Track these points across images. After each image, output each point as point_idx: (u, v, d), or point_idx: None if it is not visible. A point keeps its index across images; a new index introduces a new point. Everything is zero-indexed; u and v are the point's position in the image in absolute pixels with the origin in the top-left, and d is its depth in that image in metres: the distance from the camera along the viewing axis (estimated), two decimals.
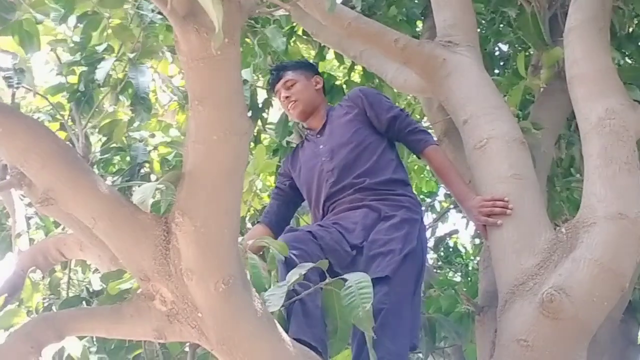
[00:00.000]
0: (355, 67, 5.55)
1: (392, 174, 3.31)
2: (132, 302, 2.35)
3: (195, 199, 2.20)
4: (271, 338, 2.28)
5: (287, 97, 3.52)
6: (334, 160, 3.31)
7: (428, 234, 7.76)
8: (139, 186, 2.41)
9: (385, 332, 2.75)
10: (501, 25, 5.49)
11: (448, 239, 7.54)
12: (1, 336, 3.02)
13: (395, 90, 5.07)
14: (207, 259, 2.20)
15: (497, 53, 6.00)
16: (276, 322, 2.39)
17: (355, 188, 3.24)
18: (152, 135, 4.90)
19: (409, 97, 6.38)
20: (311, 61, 5.37)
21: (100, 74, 4.03)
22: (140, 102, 4.15)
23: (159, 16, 4.31)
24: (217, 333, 2.25)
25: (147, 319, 2.32)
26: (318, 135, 3.47)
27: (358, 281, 2.34)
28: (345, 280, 2.38)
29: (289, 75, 3.56)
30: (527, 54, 5.03)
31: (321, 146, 3.40)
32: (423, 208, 7.83)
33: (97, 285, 4.41)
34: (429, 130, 3.99)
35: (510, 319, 2.86)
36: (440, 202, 8.08)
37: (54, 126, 4.60)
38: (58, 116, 4.58)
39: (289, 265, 2.68)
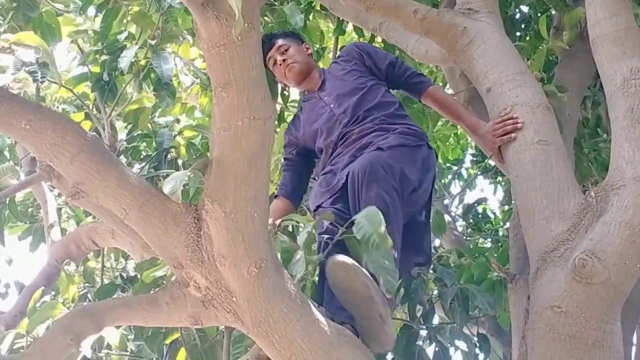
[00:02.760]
0: (375, 39, 5.51)
1: (396, 110, 3.39)
2: (167, 290, 2.39)
3: (224, 185, 2.22)
4: (306, 319, 2.30)
5: (283, 60, 3.56)
6: (343, 104, 3.37)
7: (456, 201, 7.76)
8: (166, 175, 2.43)
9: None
10: None
11: (477, 206, 7.50)
12: (41, 329, 3.08)
13: (416, 61, 5.02)
14: (238, 244, 2.22)
15: (517, 16, 5.93)
16: (310, 302, 2.41)
17: (368, 119, 3.30)
18: (177, 120, 4.92)
19: (430, 66, 6.34)
20: (330, 35, 5.36)
21: (124, 63, 4.04)
22: (164, 88, 4.17)
23: (177, 0, 4.31)
24: (252, 316, 2.28)
25: (183, 305, 2.35)
26: (319, 92, 3.51)
27: (365, 213, 2.44)
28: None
29: (281, 41, 3.62)
30: (548, 15, 4.96)
31: (325, 98, 3.45)
32: (450, 176, 7.89)
33: (131, 271, 4.48)
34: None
35: (543, 286, 2.85)
36: (467, 169, 8.04)
37: (79, 116, 4.63)
38: (83, 106, 4.61)
39: None
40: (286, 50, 3.58)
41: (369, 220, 2.44)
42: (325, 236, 2.82)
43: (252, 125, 2.20)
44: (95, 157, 2.33)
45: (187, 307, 2.35)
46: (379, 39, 5.50)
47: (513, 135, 3.18)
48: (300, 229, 2.88)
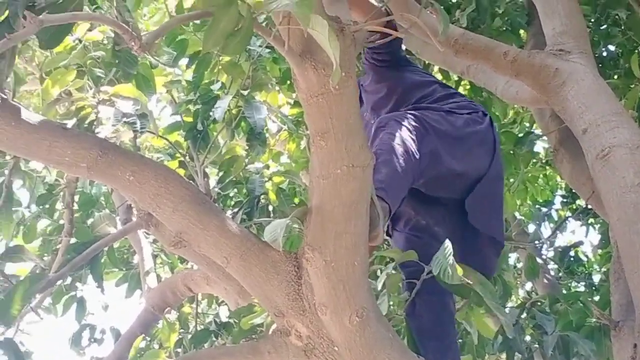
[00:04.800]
0: (462, 81, 5.50)
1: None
2: (269, 339, 2.39)
3: (324, 233, 2.23)
4: None
5: None
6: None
7: (546, 245, 7.59)
8: (259, 223, 2.45)
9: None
10: (609, 27, 5.34)
11: (571, 249, 7.31)
12: None
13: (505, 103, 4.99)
14: (339, 292, 2.22)
15: (605, 54, 5.83)
16: (409, 351, 2.38)
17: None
18: (267, 167, 4.98)
19: (515, 107, 6.28)
20: None
21: (218, 113, 4.14)
22: (256, 137, 4.25)
23: (267, 50, 4.41)
24: None
25: (285, 354, 2.35)
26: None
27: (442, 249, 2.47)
28: None
29: None
30: (638, 53, 4.86)
31: (365, 114, 3.37)
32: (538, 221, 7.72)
33: (224, 317, 4.52)
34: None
35: None
36: (557, 210, 7.88)
37: (173, 164, 4.75)
38: (177, 154, 4.73)
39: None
40: None
41: (442, 254, 2.48)
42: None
43: (350, 173, 2.20)
44: (196, 206, 2.37)
45: (289, 356, 2.34)
46: (465, 82, 5.49)
47: None
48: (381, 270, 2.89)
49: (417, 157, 2.72)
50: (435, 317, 2.82)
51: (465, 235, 3.03)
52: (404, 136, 2.74)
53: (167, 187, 2.37)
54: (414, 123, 2.83)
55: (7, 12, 2.47)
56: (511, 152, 5.30)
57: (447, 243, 2.53)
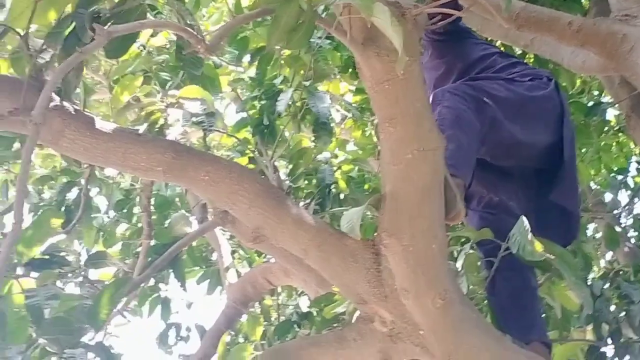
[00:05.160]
0: (527, 54, 5.40)
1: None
2: (354, 326, 2.41)
3: (399, 219, 2.23)
4: (495, 347, 2.26)
5: None
6: None
7: (624, 214, 7.41)
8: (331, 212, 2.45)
9: None
10: None
11: None
12: None
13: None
14: (420, 276, 2.22)
15: None
16: (494, 329, 2.37)
17: None
18: (335, 156, 5.01)
19: (583, 76, 6.14)
20: None
21: (281, 106, 4.18)
22: (322, 127, 4.26)
23: (327, 41, 4.42)
24: (440, 349, 2.26)
25: (371, 341, 2.37)
26: None
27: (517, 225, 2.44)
28: None
29: None
30: None
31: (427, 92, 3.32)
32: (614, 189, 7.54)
33: (305, 307, 4.57)
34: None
35: None
36: (632, 177, 7.68)
37: (243, 160, 4.81)
38: (246, 151, 4.79)
39: None
40: None
41: (519, 230, 2.46)
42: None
43: (421, 157, 2.20)
44: (271, 201, 2.40)
45: (375, 342, 2.36)
46: (530, 55, 5.39)
47: None
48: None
49: (478, 126, 2.70)
50: (517, 293, 2.79)
51: (540, 207, 2.99)
52: (462, 107, 2.71)
53: (241, 185, 2.41)
54: (470, 92, 2.79)
55: (73, 25, 2.54)
56: (582, 122, 5.19)
57: (523, 218, 2.51)
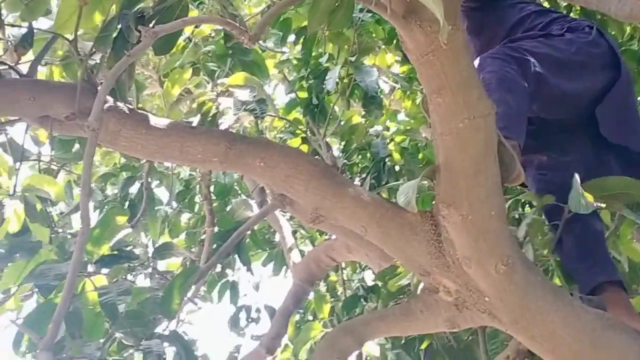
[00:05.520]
0: (573, 8, 5.29)
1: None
2: (419, 298, 2.43)
3: (456, 188, 2.23)
4: (563, 308, 2.25)
5: None
6: None
7: None
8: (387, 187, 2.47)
9: None
10: None
11: None
12: (303, 351, 3.26)
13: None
14: (481, 244, 2.22)
15: None
16: (562, 290, 2.36)
17: None
18: (387, 129, 5.01)
19: (632, 24, 5.99)
20: None
21: (330, 84, 4.20)
22: (371, 102, 4.27)
23: (369, 14, 4.41)
24: (507, 314, 2.27)
25: (437, 311, 2.38)
26: None
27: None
28: None
29: None
30: None
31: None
32: None
33: (370, 281, 4.61)
34: None
35: None
36: None
37: (296, 141, 4.85)
38: (298, 131, 4.83)
39: None
40: None
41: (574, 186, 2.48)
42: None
43: (473, 125, 2.19)
44: (327, 181, 2.43)
45: (442, 312, 2.37)
46: (576, 7, 5.28)
47: None
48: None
49: (525, 84, 2.68)
50: (582, 239, 2.74)
51: (598, 157, 2.94)
52: (505, 69, 2.68)
53: (296, 167, 2.44)
54: (511, 53, 2.75)
55: (119, 27, 2.60)
56: (635, 69, 5.07)
57: (576, 177, 2.49)
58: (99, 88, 2.46)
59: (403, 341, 3.39)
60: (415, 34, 2.10)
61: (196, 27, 3.96)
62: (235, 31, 1.97)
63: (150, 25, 2.50)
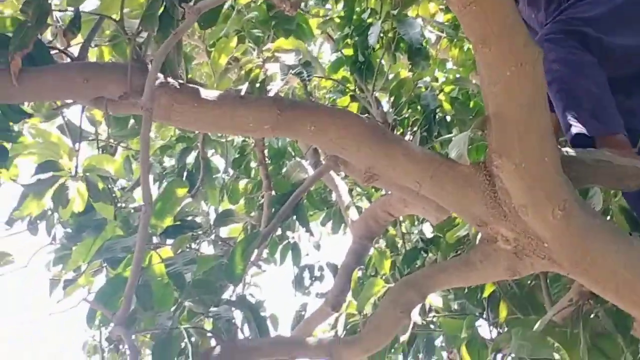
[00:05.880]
0: None
1: None
2: (478, 249, 2.45)
3: (507, 138, 2.23)
4: (625, 249, 2.24)
5: None
6: None
7: None
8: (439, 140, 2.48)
9: None
10: None
11: None
12: (368, 306, 3.32)
13: None
14: (536, 191, 2.23)
15: None
16: (622, 231, 2.36)
17: None
18: (435, 79, 4.98)
19: None
20: None
21: (372, 39, 4.19)
22: (417, 54, 4.25)
23: None
24: (567, 258, 2.27)
25: (497, 260, 2.40)
26: None
27: None
28: None
29: None
30: None
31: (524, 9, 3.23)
32: None
33: (428, 233, 4.63)
34: None
35: None
36: None
37: (346, 100, 4.86)
38: (346, 89, 4.84)
39: None
40: None
41: None
42: None
43: (520, 73, 2.18)
44: (378, 139, 2.46)
45: (501, 261, 2.39)
46: None
47: None
48: None
49: (592, 58, 2.65)
50: None
51: None
52: (569, 52, 2.67)
53: (346, 129, 2.47)
54: (566, 28, 2.74)
55: (164, 4, 2.64)
56: None
57: None
58: (149, 66, 2.51)
59: (466, 291, 3.43)
60: None
61: None
62: (276, 0, 1.99)
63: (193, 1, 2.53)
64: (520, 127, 2.22)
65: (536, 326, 2.42)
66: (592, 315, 2.48)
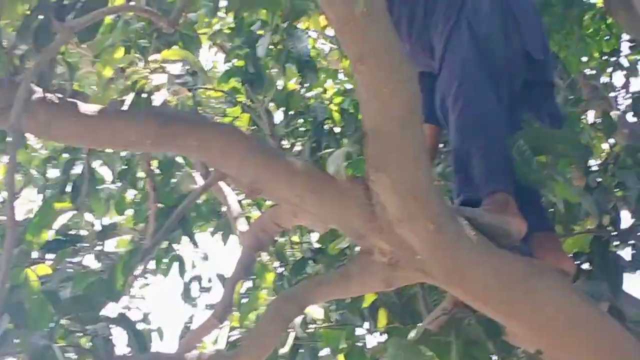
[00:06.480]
0: None
1: None
2: (355, 261, 2.52)
3: (383, 153, 2.29)
4: (493, 259, 2.35)
5: None
6: None
7: (622, 92, 7.37)
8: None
9: None
10: None
11: None
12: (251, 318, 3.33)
13: None
14: (411, 204, 2.30)
15: None
16: (491, 242, 2.45)
17: None
18: (324, 91, 5.04)
19: None
20: None
21: (260, 51, 4.22)
22: (306, 66, 4.30)
23: None
24: (439, 270, 2.36)
25: (374, 272, 2.47)
26: None
27: None
28: None
29: None
30: None
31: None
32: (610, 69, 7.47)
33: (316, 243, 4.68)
34: None
35: None
36: (626, 56, 7.62)
37: (237, 110, 4.87)
38: (237, 100, 4.85)
39: None
40: None
41: None
42: None
43: (396, 90, 2.24)
44: (261, 154, 2.49)
45: (378, 273, 2.46)
46: None
47: None
48: None
49: (497, 101, 2.68)
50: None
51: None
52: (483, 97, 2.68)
53: (230, 145, 2.50)
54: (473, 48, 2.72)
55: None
56: (563, 14, 5.16)
57: None
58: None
59: (348, 301, 3.48)
60: (334, 3, 2.15)
61: None
62: (154, 18, 1.99)
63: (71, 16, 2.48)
64: (395, 142, 2.29)
65: (411, 335, 2.49)
66: (465, 323, 2.56)
